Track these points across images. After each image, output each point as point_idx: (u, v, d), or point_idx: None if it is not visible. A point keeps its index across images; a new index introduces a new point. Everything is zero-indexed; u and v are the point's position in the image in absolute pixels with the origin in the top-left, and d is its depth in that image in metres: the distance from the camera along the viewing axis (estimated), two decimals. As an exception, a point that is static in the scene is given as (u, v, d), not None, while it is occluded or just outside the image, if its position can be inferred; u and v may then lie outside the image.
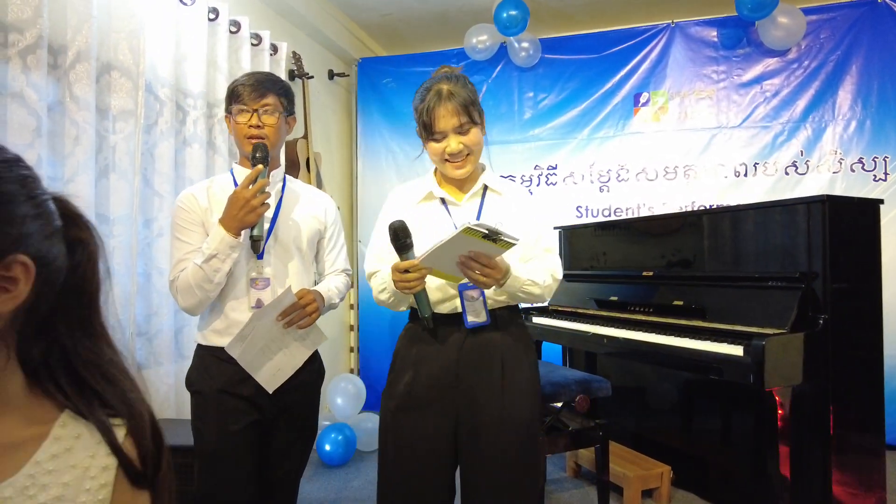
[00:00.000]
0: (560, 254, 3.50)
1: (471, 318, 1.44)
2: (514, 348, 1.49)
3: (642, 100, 3.70)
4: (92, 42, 2.03)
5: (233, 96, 1.55)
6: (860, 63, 3.37)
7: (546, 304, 3.32)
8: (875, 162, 3.33)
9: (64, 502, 0.54)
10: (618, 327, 2.60)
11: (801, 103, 3.45)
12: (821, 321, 2.07)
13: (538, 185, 3.86)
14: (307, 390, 1.66)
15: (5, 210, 0.54)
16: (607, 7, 3.83)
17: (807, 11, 3.38)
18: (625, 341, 2.51)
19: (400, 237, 1.34)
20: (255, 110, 1.52)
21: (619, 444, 2.88)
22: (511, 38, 3.73)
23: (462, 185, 1.53)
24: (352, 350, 4.26)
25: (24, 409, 0.57)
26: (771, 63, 3.51)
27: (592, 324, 2.76)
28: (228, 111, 1.58)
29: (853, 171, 3.36)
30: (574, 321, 2.91)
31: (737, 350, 2.01)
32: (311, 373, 1.65)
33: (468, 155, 1.45)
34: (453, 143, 1.43)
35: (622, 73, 3.72)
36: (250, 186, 1.43)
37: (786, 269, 2.21)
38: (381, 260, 1.51)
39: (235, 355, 1.49)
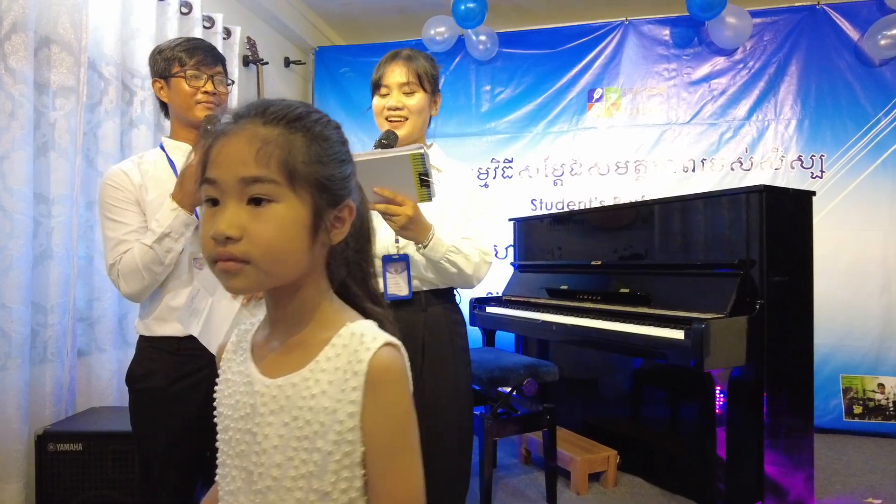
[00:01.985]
0: (514, 245, 3.57)
1: (391, 291, 1.40)
2: (438, 331, 1.46)
3: (596, 95, 3.78)
4: (29, 13, 1.95)
5: (175, 60, 1.45)
6: (800, 65, 3.52)
7: (500, 294, 3.37)
8: (812, 160, 3.49)
9: (326, 396, 0.66)
10: (567, 315, 2.65)
11: (746, 102, 3.58)
12: (757, 306, 2.16)
13: (494, 178, 3.90)
14: None
15: (345, 167, 0.70)
16: (564, 3, 3.89)
17: (753, 14, 3.51)
18: (573, 328, 2.56)
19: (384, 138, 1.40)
20: (211, 76, 1.45)
21: (569, 431, 2.94)
22: (469, 30, 3.75)
23: None
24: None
25: (325, 318, 0.71)
26: (719, 62, 3.64)
27: (543, 312, 2.81)
28: (166, 75, 1.46)
29: (793, 168, 3.51)
30: (526, 310, 2.95)
31: (678, 334, 2.08)
32: None
33: (406, 119, 1.46)
34: (395, 98, 1.45)
35: (577, 68, 3.80)
36: None
37: (726, 257, 2.29)
38: None
39: (196, 332, 1.36)
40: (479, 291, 3.65)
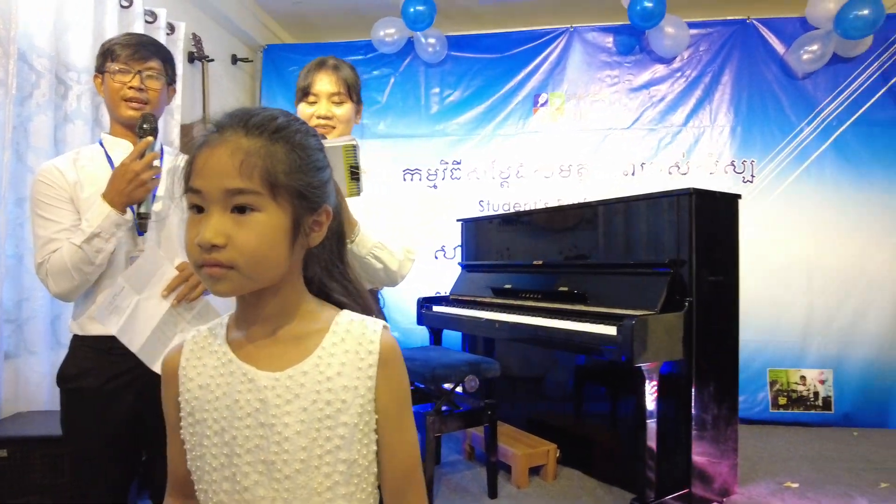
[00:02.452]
0: (462, 245, 3.63)
1: None
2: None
3: (541, 100, 3.88)
4: (-47, 2, 1.88)
5: (109, 55, 1.43)
6: (733, 75, 3.70)
7: (450, 293, 3.42)
8: (744, 165, 3.68)
9: (343, 376, 0.73)
10: (510, 313, 2.73)
11: (683, 109, 3.74)
12: (687, 304, 2.28)
13: (443, 179, 3.95)
14: None
15: (323, 173, 0.75)
16: (511, 9, 3.98)
17: (690, 25, 3.67)
18: (515, 325, 2.63)
19: None
20: (139, 72, 1.43)
21: (512, 427, 3.01)
22: (418, 32, 3.79)
23: None
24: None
25: (309, 313, 0.78)
26: (658, 70, 3.79)
27: (488, 311, 2.88)
28: (102, 70, 1.45)
29: (726, 172, 3.69)
30: (471, 309, 3.01)
31: (611, 330, 2.18)
32: None
33: (334, 128, 1.48)
34: (324, 107, 1.47)
35: (523, 73, 3.89)
36: (140, 159, 1.33)
37: (658, 257, 2.40)
38: None
39: (114, 331, 1.34)
40: (427, 291, 3.69)
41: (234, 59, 3.92)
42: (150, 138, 1.38)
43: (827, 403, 3.51)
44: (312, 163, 0.74)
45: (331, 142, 1.27)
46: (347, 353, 0.74)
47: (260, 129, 0.70)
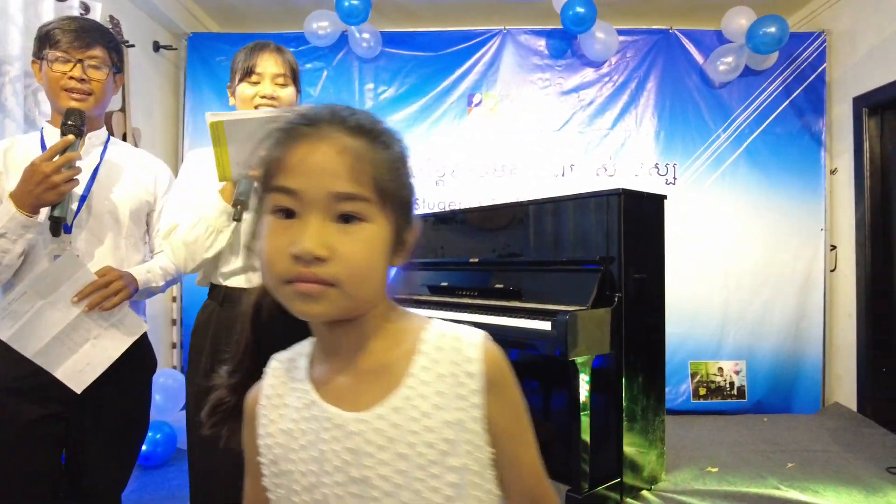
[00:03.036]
0: (397, 243, 3.59)
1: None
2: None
3: (476, 100, 3.92)
4: None
5: (47, 39, 1.33)
6: (657, 82, 3.89)
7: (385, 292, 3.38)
8: (667, 168, 3.87)
9: (443, 409, 0.60)
10: (446, 310, 2.73)
11: (611, 113, 3.89)
12: (616, 299, 2.36)
13: (377, 176, 3.91)
14: (128, 383, 1.44)
15: (413, 185, 0.67)
16: (445, 8, 3.99)
17: (618, 32, 3.82)
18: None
19: None
20: (80, 60, 1.33)
21: (448, 424, 3.02)
22: (353, 27, 3.73)
23: None
24: (174, 346, 3.96)
25: (391, 333, 0.65)
26: (588, 75, 3.92)
27: (424, 308, 2.86)
28: (40, 56, 1.35)
29: (650, 175, 3.86)
30: (408, 307, 2.98)
31: (546, 326, 2.22)
32: (135, 363, 1.45)
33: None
34: (269, 87, 1.43)
35: (458, 73, 3.91)
36: (55, 158, 1.23)
37: (589, 254, 2.48)
38: (177, 212, 1.40)
39: (5, 336, 1.26)
40: (362, 289, 3.63)
41: (157, 47, 3.71)
42: (71, 137, 1.28)
43: (741, 392, 3.76)
44: (409, 172, 0.66)
45: (250, 113, 1.24)
46: (444, 379, 0.61)
47: (363, 129, 0.61)
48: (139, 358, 1.49)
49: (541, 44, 3.93)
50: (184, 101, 3.96)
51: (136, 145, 3.15)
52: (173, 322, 3.95)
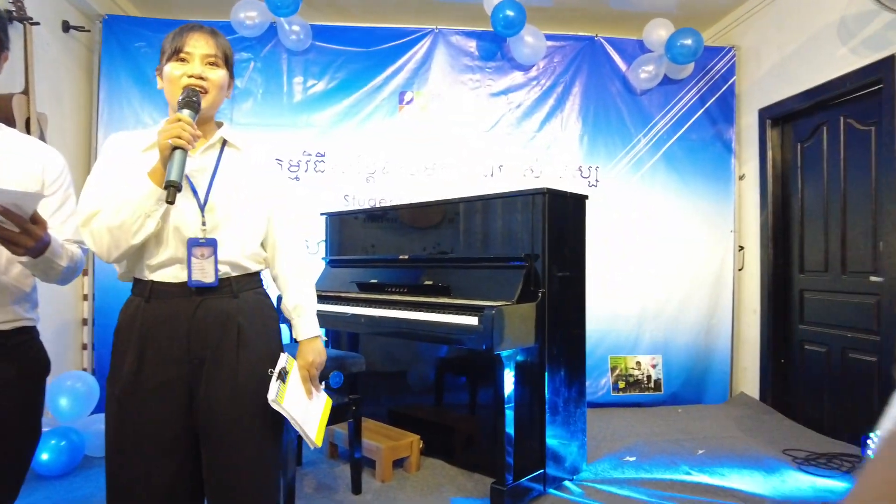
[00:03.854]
0: (326, 240, 3.54)
1: (196, 277, 1.33)
2: (253, 317, 1.41)
3: (407, 98, 3.92)
4: None
5: None
6: (582, 87, 4.03)
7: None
8: (590, 170, 4.02)
9: None
10: (375, 307, 2.71)
11: (539, 116, 4.00)
12: (540, 294, 2.43)
13: (306, 171, 3.83)
14: (13, 387, 1.33)
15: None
16: (376, 4, 3.97)
17: (546, 37, 3.92)
18: (380, 319, 2.63)
19: (192, 95, 1.30)
20: None
21: (377, 422, 3.01)
22: (282, 18, 3.65)
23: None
24: (84, 347, 3.72)
25: None
26: (517, 78, 4.00)
27: (353, 306, 2.84)
28: None
29: (574, 176, 4.00)
30: (335, 304, 2.95)
31: (473, 320, 2.25)
32: (21, 364, 1.35)
33: (206, 92, 1.36)
34: (198, 67, 1.36)
35: (390, 70, 3.90)
36: None
37: (515, 251, 2.54)
38: (98, 197, 1.30)
39: None
40: (289, 287, 3.56)
41: (67, 27, 3.48)
42: None
43: (658, 385, 3.96)
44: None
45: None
46: None
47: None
48: (27, 359, 1.39)
49: (471, 45, 3.98)
50: (98, 87, 3.74)
51: (41, 131, 2.95)
52: (84, 322, 3.72)
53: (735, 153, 4.14)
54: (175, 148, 1.22)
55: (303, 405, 1.43)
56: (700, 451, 3.02)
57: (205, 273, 1.33)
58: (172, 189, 1.21)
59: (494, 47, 3.99)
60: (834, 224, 3.44)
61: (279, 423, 1.47)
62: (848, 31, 3.23)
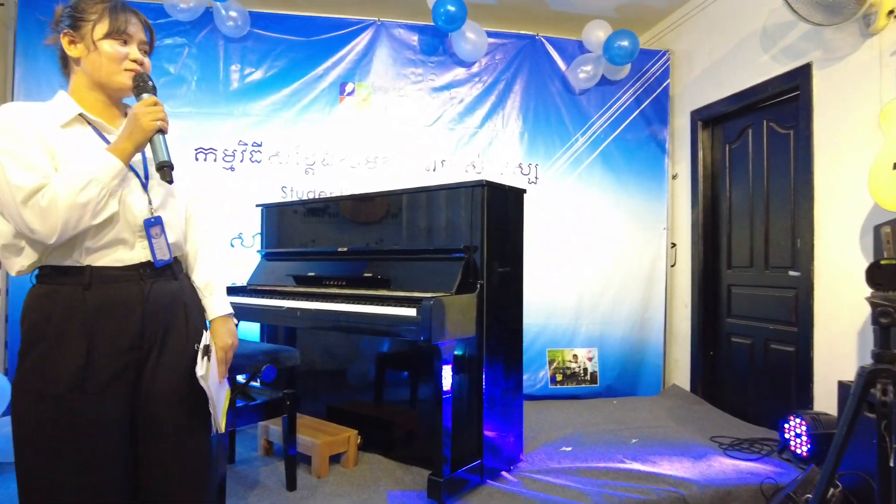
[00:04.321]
0: (262, 232, 3.44)
1: (160, 256, 1.33)
2: (191, 298, 1.44)
3: (348, 89, 3.86)
4: None
5: None
6: (523, 85, 4.08)
7: (248, 283, 3.22)
8: (530, 168, 4.07)
9: None
10: (312, 301, 2.65)
11: (480, 112, 4.02)
12: (478, 286, 2.44)
13: (242, 161, 3.71)
14: None
15: None
16: (319, -7, 3.90)
17: (488, 34, 3.95)
18: (317, 313, 2.57)
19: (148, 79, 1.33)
20: None
21: (313, 418, 2.94)
22: (218, 3, 3.51)
23: (112, 114, 1.38)
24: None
25: None
26: (460, 73, 4.01)
27: (289, 299, 2.76)
28: None
29: (515, 173, 4.04)
30: (271, 298, 2.87)
31: (412, 312, 2.23)
32: None
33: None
34: (136, 52, 1.35)
35: (331, 61, 3.82)
36: None
37: (454, 243, 2.54)
38: (34, 170, 1.18)
39: None
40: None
41: (-22, 2, 3.24)
42: None
43: (594, 378, 4.05)
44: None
45: None
46: None
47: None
48: None
49: (414, 39, 3.96)
50: (13, 65, 3.49)
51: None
52: (-4, 318, 3.47)
53: (668, 153, 4.30)
54: (158, 130, 1.27)
55: (216, 387, 1.40)
56: (634, 441, 3.10)
57: (163, 252, 1.33)
58: (168, 169, 1.26)
59: (437, 42, 3.98)
60: (758, 222, 3.62)
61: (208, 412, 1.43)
62: (769, 40, 3.40)
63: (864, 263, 1.56)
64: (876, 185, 2.46)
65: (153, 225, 1.32)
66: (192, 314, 1.40)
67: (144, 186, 1.34)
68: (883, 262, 1.51)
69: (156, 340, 1.31)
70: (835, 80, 2.98)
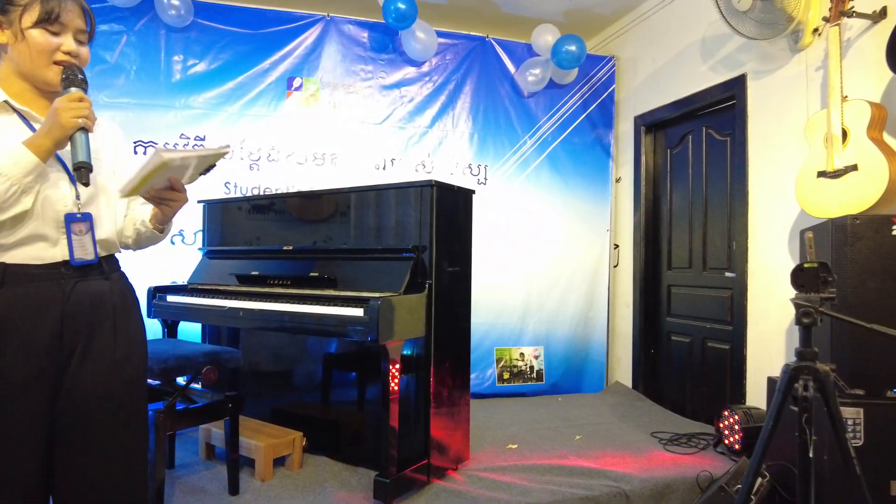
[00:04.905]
0: (204, 229, 3.34)
1: (78, 255, 1.25)
2: (124, 299, 1.36)
3: (295, 84, 3.78)
4: None
5: None
6: (473, 87, 4.10)
7: (188, 282, 3.12)
8: (479, 168, 4.11)
9: None
10: (256, 300, 2.59)
11: (430, 112, 4.02)
12: (427, 286, 2.44)
13: (184, 156, 3.58)
14: None
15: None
16: (266, -15, 3.81)
17: (438, 34, 3.95)
18: (261, 313, 2.51)
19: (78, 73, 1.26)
20: None
21: (258, 420, 2.87)
22: (159, -9, 3.38)
23: (42, 104, 1.30)
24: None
25: None
26: (410, 72, 4.00)
27: (231, 299, 2.69)
28: None
29: (464, 174, 4.07)
30: (213, 297, 2.78)
31: (359, 312, 2.21)
32: None
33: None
34: (73, 43, 1.26)
35: (278, 54, 3.74)
36: None
37: (403, 243, 2.53)
38: None
39: None
40: (162, 279, 3.31)
41: None
42: None
43: (540, 375, 4.13)
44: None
45: (213, 150, 1.28)
46: None
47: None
48: None
49: (364, 35, 3.92)
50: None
51: None
52: None
53: (613, 157, 4.42)
54: (80, 128, 1.19)
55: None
56: (578, 437, 3.17)
57: (85, 250, 1.26)
58: (85, 170, 1.18)
59: (387, 40, 3.96)
60: (697, 225, 3.77)
61: (146, 411, 1.38)
62: (709, 51, 3.55)
63: (792, 266, 1.64)
64: (802, 192, 2.61)
65: (78, 221, 1.25)
66: (121, 317, 1.32)
67: (73, 180, 1.26)
68: (806, 265, 1.59)
69: (78, 343, 1.24)
70: (767, 91, 3.13)
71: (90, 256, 1.26)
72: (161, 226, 1.43)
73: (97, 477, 1.26)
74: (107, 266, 1.34)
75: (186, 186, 1.36)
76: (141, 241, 1.46)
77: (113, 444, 1.29)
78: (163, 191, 1.30)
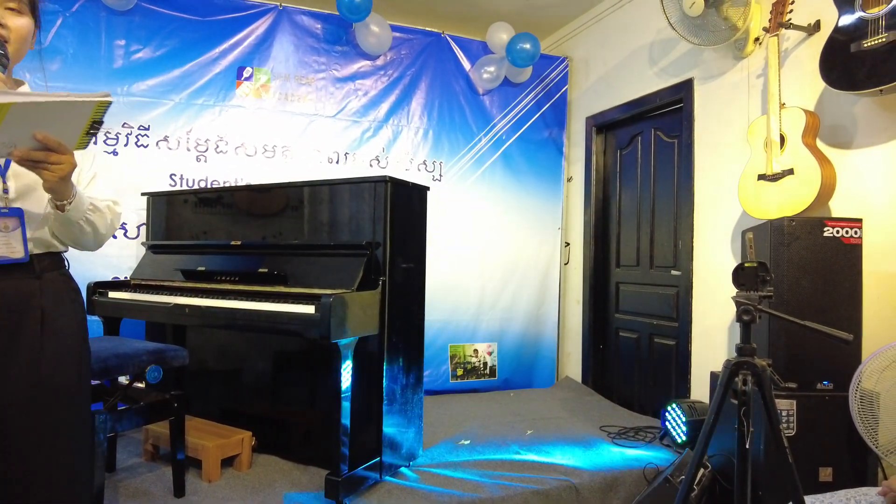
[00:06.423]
0: (147, 223, 3.21)
1: (3, 252, 1.16)
2: (59, 300, 1.27)
3: (245, 74, 3.67)
4: None
5: None
6: (428, 82, 4.09)
7: (131, 278, 2.99)
8: (434, 165, 4.10)
9: None
10: (202, 297, 2.51)
11: (385, 106, 3.98)
12: (380, 282, 2.42)
13: (126, 145, 3.42)
14: None
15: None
16: (216, -28, 3.67)
17: (393, 28, 3.92)
18: (208, 310, 2.44)
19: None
20: None
21: (205, 420, 2.79)
22: (99, -28, 3.22)
23: None
24: None
25: None
26: (364, 65, 3.95)
27: (176, 295, 2.60)
28: None
29: (419, 170, 4.05)
30: (157, 294, 2.68)
31: (310, 309, 2.18)
32: None
33: (6, 42, 1.19)
34: (4, 12, 1.19)
35: (227, 43, 3.61)
36: None
37: (356, 239, 2.50)
38: None
39: None
40: (102, 275, 3.17)
41: None
42: None
43: (493, 371, 4.17)
44: None
45: (83, 96, 1.06)
46: None
47: None
48: None
49: (317, 27, 3.84)
50: None
51: None
52: None
53: (565, 156, 4.49)
54: None
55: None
56: (529, 432, 3.22)
57: (11, 248, 1.16)
58: None
59: (341, 32, 3.89)
60: (645, 224, 3.88)
61: (87, 420, 1.30)
62: (658, 54, 3.65)
63: (734, 264, 1.71)
64: (744, 194, 2.72)
65: (4, 216, 1.17)
66: (50, 318, 1.23)
67: (3, 172, 1.19)
68: (746, 264, 1.66)
69: None
70: (713, 96, 3.25)
71: (19, 255, 1.18)
72: (58, 202, 1.19)
73: (32, 493, 1.19)
74: (39, 265, 1.24)
75: (77, 154, 1.17)
76: (61, 231, 1.28)
77: (46, 454, 1.21)
78: (33, 151, 1.08)
